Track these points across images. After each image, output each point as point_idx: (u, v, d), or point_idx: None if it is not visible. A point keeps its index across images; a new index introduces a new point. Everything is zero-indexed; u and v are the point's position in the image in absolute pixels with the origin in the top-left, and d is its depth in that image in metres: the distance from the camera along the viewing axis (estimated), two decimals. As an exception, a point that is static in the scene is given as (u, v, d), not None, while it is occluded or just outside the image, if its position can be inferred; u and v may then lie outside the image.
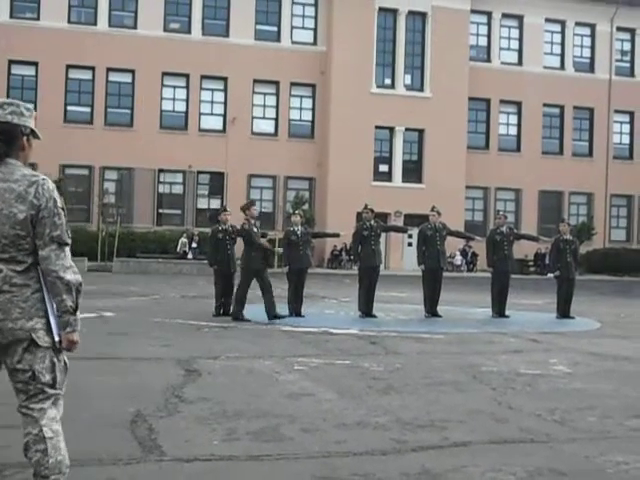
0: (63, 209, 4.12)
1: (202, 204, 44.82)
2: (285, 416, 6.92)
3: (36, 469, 4.04)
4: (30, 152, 4.22)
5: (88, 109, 43.33)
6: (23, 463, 4.29)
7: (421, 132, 46.18)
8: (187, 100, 44.40)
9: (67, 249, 4.09)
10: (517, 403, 7.77)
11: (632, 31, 51.57)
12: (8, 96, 40.33)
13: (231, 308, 15.78)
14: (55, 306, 4.06)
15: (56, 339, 4.06)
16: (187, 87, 44.34)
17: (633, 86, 50.79)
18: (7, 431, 5.74)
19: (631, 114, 51.38)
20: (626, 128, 51.82)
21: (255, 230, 15.50)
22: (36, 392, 4.05)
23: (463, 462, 5.56)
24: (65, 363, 4.19)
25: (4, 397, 4.99)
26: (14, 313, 3.99)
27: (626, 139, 51.86)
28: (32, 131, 4.21)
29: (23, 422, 4.10)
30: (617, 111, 50.96)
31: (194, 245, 39.24)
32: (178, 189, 44.58)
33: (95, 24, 43.07)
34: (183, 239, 39.64)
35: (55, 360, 4.10)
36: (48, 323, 4.05)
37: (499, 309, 17.38)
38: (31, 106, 4.28)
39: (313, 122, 46.02)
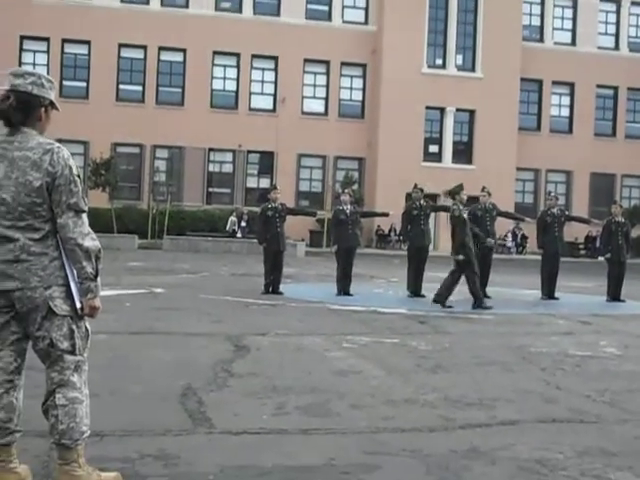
0: (79, 177, 4.16)
1: (251, 183, 44.97)
2: (334, 392, 6.95)
3: (51, 432, 4.13)
4: (47, 123, 4.26)
5: (140, 88, 43.61)
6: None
7: (472, 113, 45.82)
8: (237, 79, 44.49)
9: (84, 216, 4.12)
10: (566, 384, 7.73)
11: (689, 10, 50.66)
12: (62, 75, 40.86)
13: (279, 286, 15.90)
14: (76, 273, 4.10)
15: (77, 306, 4.11)
16: (238, 66, 44.41)
17: (689, 67, 49.89)
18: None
19: (687, 95, 50.49)
20: (681, 109, 50.96)
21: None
22: (56, 359, 4.11)
23: (511, 440, 5.56)
24: (86, 329, 4.23)
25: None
26: (32, 282, 4.05)
27: (681, 120, 51.02)
28: (51, 103, 4.25)
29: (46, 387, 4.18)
30: (672, 92, 50.15)
31: (243, 224, 39.36)
32: (228, 168, 44.75)
33: (147, 3, 43.30)
34: (232, 218, 39.80)
35: (74, 327, 4.14)
36: (67, 291, 4.10)
37: (549, 291, 17.24)
38: (52, 79, 4.32)
39: (363, 102, 45.89)
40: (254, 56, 44.32)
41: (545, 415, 6.40)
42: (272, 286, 16.05)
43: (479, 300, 14.56)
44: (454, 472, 4.79)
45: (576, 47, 48.55)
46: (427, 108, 44.96)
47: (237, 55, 44.18)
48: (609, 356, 9.63)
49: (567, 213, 20.42)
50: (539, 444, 5.48)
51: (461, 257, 14.35)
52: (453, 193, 15.09)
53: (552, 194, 19.17)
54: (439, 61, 45.67)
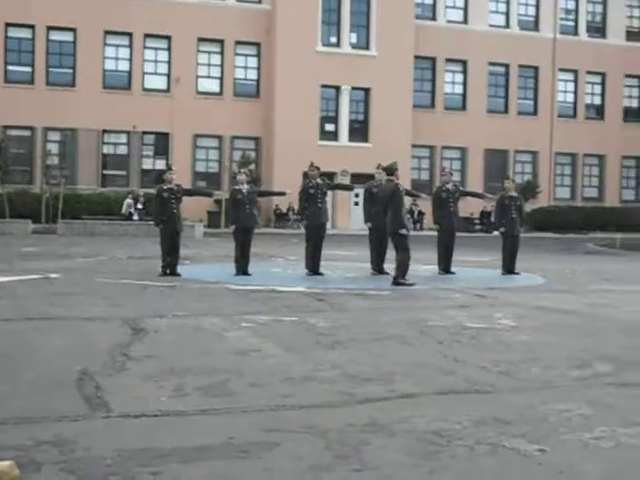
0: None
1: (147, 165, 44.39)
2: (233, 372, 6.92)
3: None
4: None
5: (29, 69, 42.51)
6: None
7: (367, 91, 46.07)
8: (130, 59, 43.75)
9: None
10: (463, 356, 7.86)
11: (576, -11, 51.87)
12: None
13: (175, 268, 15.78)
14: None
15: None
16: (130, 46, 43.66)
17: (577, 45, 51.16)
18: None
19: (575, 72, 51.78)
20: (570, 86, 52.21)
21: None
22: None
23: (409, 413, 5.62)
24: None
25: None
26: None
27: (570, 97, 52.27)
28: None
29: None
30: (561, 69, 51.30)
31: (139, 206, 38.86)
32: (123, 150, 44.08)
33: (35, -19, 42.20)
34: (128, 200, 39.23)
35: None
36: None
37: (445, 266, 17.50)
38: None
39: (258, 81, 45.70)
40: (147, 35, 43.64)
41: (442, 387, 6.49)
42: (170, 268, 15.90)
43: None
44: (353, 446, 4.81)
45: (468, 25, 49.20)
46: (322, 87, 45.03)
47: (129, 34, 43.44)
48: (504, 328, 9.82)
49: (461, 189, 20.77)
50: (437, 416, 5.55)
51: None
52: (392, 170, 15.06)
53: (446, 170, 19.44)
54: (333, 39, 45.73)
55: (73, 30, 42.58)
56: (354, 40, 46.11)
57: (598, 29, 52.67)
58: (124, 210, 38.71)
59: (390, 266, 15.46)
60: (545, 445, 4.91)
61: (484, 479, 4.35)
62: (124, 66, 43.83)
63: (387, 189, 14.93)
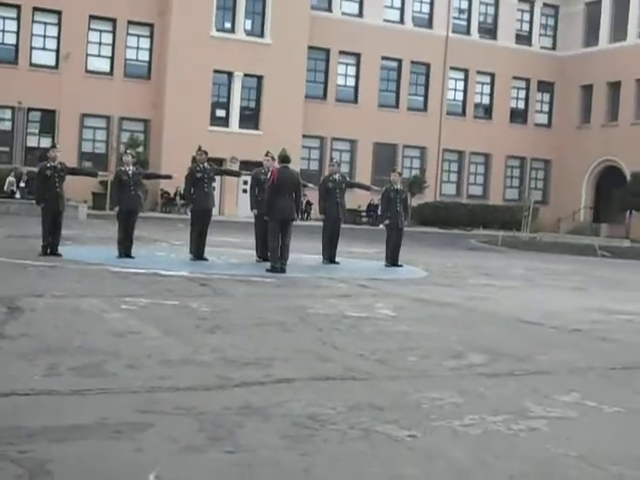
0: None
1: (32, 142, 43.26)
2: (110, 353, 6.83)
3: None
4: None
5: None
6: None
7: (260, 78, 45.94)
8: (18, 33, 42.46)
9: None
10: (341, 343, 7.93)
11: (469, -10, 52.76)
12: None
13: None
14: None
15: None
16: (18, 19, 42.39)
17: (469, 44, 52.06)
18: None
19: (466, 72, 52.70)
20: (460, 85, 53.13)
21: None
22: None
23: (285, 397, 5.64)
24: None
25: None
26: None
27: (460, 96, 53.19)
28: None
29: None
30: (452, 68, 52.14)
31: (22, 184, 37.96)
32: (7, 126, 42.86)
33: None
34: (10, 178, 38.29)
35: None
36: None
37: (329, 255, 17.63)
38: None
39: (150, 63, 45.04)
40: (36, 9, 42.46)
41: (320, 373, 6.54)
42: (50, 248, 15.59)
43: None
44: (227, 428, 4.81)
45: (363, 19, 49.51)
46: (215, 72, 44.67)
47: (17, 7, 42.18)
48: (383, 317, 9.96)
49: (348, 180, 20.93)
50: (312, 401, 5.59)
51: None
52: (289, 158, 15.20)
53: (334, 160, 19.61)
54: (228, 25, 45.40)
55: (-43, -1, 41.25)
56: (249, 27, 45.90)
57: (489, 30, 53.71)
58: (6, 188, 37.77)
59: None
60: (416, 431, 5.00)
61: (355, 462, 4.40)
62: (11, 39, 42.55)
63: (293, 177, 15.24)
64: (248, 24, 45.80)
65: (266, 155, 17.31)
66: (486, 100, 54.02)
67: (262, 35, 45.89)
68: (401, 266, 17.75)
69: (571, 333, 9.71)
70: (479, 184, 54.04)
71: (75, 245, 18.64)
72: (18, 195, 37.19)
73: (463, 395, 6.04)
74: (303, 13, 46.23)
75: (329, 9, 48.89)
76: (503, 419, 5.39)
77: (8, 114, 42.61)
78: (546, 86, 55.08)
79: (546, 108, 55.70)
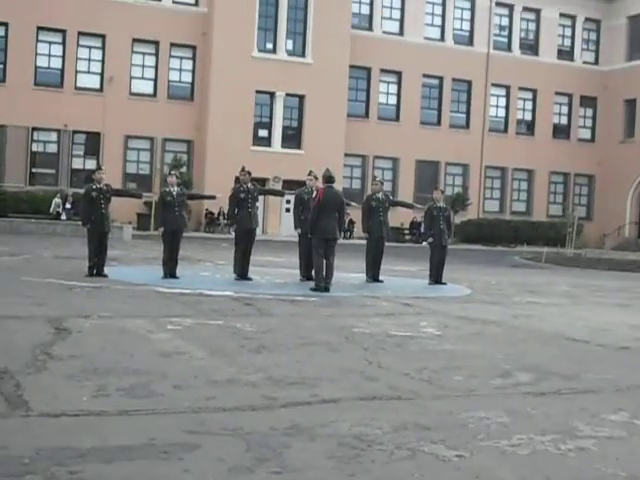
0: None
1: (77, 164, 43.78)
2: (156, 373, 6.88)
3: None
4: None
5: (-42, 62, 41.77)
6: None
7: (301, 98, 46.15)
8: (63, 57, 43.12)
9: None
10: (387, 363, 7.92)
11: (510, 7, 52.61)
12: None
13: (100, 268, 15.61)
14: None
15: None
16: (63, 43, 43.07)
17: (510, 60, 51.95)
18: None
19: (507, 88, 52.57)
20: (502, 102, 53.00)
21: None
22: None
23: (331, 417, 5.65)
24: None
25: None
26: None
27: (502, 112, 53.05)
28: None
29: None
30: (494, 85, 52.03)
31: (68, 206, 38.42)
32: (52, 148, 43.44)
33: (-33, -26, 41.44)
34: (56, 199, 38.77)
35: None
36: None
37: (373, 274, 17.60)
38: None
39: (193, 84, 45.45)
40: (81, 33, 43.11)
41: (366, 393, 6.53)
42: (96, 268, 15.74)
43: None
44: (273, 449, 4.83)
45: (404, 37, 49.61)
46: (257, 92, 44.96)
47: (63, 32, 42.85)
48: (428, 336, 9.93)
49: (391, 198, 20.94)
50: (358, 421, 5.59)
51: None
52: (334, 178, 15.35)
53: (377, 179, 19.52)
54: (269, 45, 45.71)
55: (5, 25, 41.86)
56: (290, 47, 46.18)
57: (530, 46, 53.56)
58: (52, 209, 38.23)
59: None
60: (464, 451, 4.98)
61: (402, 483, 4.40)
62: (56, 63, 43.22)
63: (337, 197, 15.32)
64: (289, 44, 46.07)
65: (309, 175, 17.37)
66: (528, 116, 53.79)
67: (303, 55, 46.12)
68: (445, 284, 17.68)
69: (618, 351, 9.62)
70: (522, 200, 53.76)
71: (120, 266, 18.81)
72: (64, 216, 37.63)
73: (510, 414, 6.00)
74: (344, 32, 46.40)
75: (370, 28, 49.03)
76: (551, 439, 5.35)
77: (54, 137, 43.17)
78: (589, 101, 54.74)
79: (589, 123, 55.36)
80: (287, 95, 45.76)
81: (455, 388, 6.94)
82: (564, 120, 54.72)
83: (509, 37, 52.98)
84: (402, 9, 49.83)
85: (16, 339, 8.31)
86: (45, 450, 4.62)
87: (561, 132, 54.44)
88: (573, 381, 7.48)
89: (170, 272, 15.93)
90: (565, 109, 54.66)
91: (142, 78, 44.69)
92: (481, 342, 9.71)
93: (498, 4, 52.17)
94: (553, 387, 7.16)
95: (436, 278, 17.78)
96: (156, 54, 44.68)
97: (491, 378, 7.43)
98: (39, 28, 42.35)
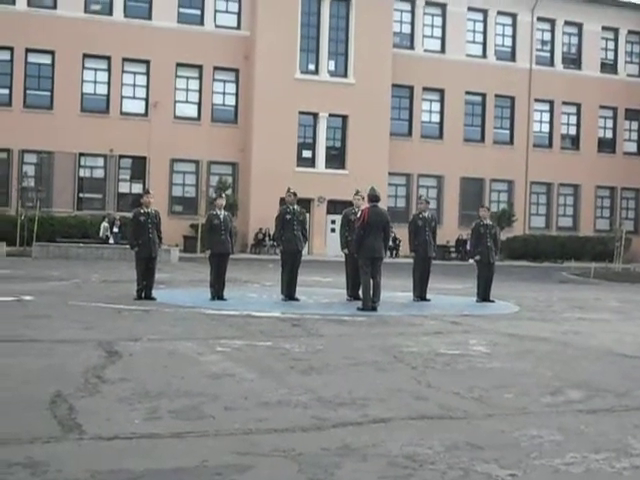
0: None
1: (124, 189, 44.30)
2: (207, 395, 6.92)
3: None
4: None
5: (6, 91, 42.41)
6: None
7: (345, 118, 46.29)
8: (109, 83, 43.77)
9: None
10: (436, 382, 7.89)
11: (552, 22, 52.41)
12: None
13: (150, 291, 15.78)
14: None
15: None
16: (109, 70, 43.70)
17: (553, 75, 51.72)
18: None
19: (551, 103, 52.31)
20: (546, 117, 52.74)
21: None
22: None
23: (382, 437, 5.64)
24: None
25: None
26: None
27: (545, 127, 52.78)
28: None
29: None
30: (537, 100, 51.80)
31: (115, 230, 38.81)
32: (99, 173, 43.99)
33: (14, 3, 42.12)
34: (105, 224, 39.19)
35: None
36: None
37: (420, 293, 17.56)
38: None
39: (236, 107, 45.81)
40: (125, 59, 43.70)
41: (416, 412, 6.52)
42: (145, 292, 15.86)
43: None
44: (325, 469, 4.83)
45: (445, 54, 49.61)
46: (300, 113, 45.19)
47: (108, 58, 43.48)
48: (478, 354, 9.87)
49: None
50: (409, 440, 5.57)
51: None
52: (379, 197, 15.44)
53: (423, 198, 19.48)
54: (312, 66, 45.98)
55: (52, 53, 42.58)
56: (332, 68, 46.39)
57: (573, 60, 53.29)
58: (101, 233, 38.64)
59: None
60: (517, 470, 4.95)
61: (455, 503, 4.38)
62: (102, 90, 43.82)
63: (383, 216, 15.36)
64: (331, 65, 46.30)
65: (356, 194, 17.36)
66: (573, 130, 53.45)
67: (345, 75, 46.31)
68: (493, 301, 17.58)
69: (671, 366, 9.50)
70: (569, 215, 53.33)
71: (168, 288, 18.93)
72: (112, 240, 38.00)
73: (563, 432, 5.95)
74: (385, 52, 46.53)
75: (411, 47, 49.10)
76: (605, 457, 5.30)
77: (100, 162, 43.72)
78: (634, 114, 54.27)
79: (634, 136, 54.89)
80: (330, 115, 45.94)
81: (506, 406, 6.90)
82: (609, 134, 54.29)
83: (551, 52, 52.76)
84: (443, 27, 49.87)
85: (68, 363, 8.40)
86: (100, 473, 4.66)
87: (606, 146, 53.98)
88: (625, 398, 7.40)
89: (218, 294, 16.02)
90: (610, 122, 54.22)
91: (186, 102, 45.15)
92: (531, 359, 9.64)
93: (540, 19, 52.00)
94: (605, 404, 7.09)
95: (484, 296, 17.68)
96: (200, 78, 45.11)
97: (542, 396, 7.37)
98: (85, 55, 43.00)
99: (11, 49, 42.03)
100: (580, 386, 7.86)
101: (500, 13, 51.11)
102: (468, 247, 28.14)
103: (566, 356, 10.10)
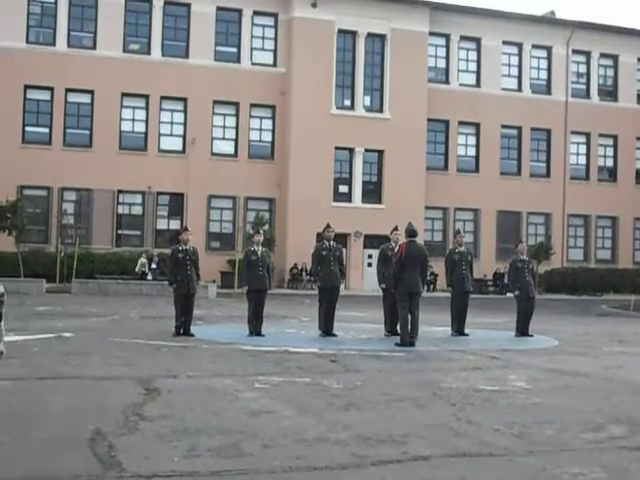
0: None
1: (162, 225, 44.57)
2: (246, 433, 6.92)
3: None
4: None
5: (47, 130, 42.95)
6: None
7: (381, 153, 46.36)
8: (147, 121, 44.19)
9: None
10: (476, 418, 7.84)
11: (587, 54, 52.29)
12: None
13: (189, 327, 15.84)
14: None
15: None
16: (147, 108, 44.13)
17: (589, 107, 51.51)
18: None
19: (587, 135, 52.06)
20: (582, 149, 52.47)
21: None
22: None
23: (423, 475, 5.61)
24: None
25: None
26: None
27: (582, 160, 52.49)
28: None
29: None
30: (574, 132, 51.58)
31: (154, 266, 39.01)
32: (137, 210, 44.31)
33: (54, 44, 42.79)
34: (142, 259, 39.40)
35: None
36: None
37: (458, 327, 17.48)
38: None
39: (273, 143, 46.03)
40: (163, 97, 44.13)
41: (456, 449, 6.47)
42: (183, 328, 15.92)
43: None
44: (366, 508, 4.81)
45: (480, 88, 49.62)
46: (336, 148, 45.32)
47: (146, 97, 43.93)
48: (517, 390, 9.80)
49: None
50: (450, 478, 5.54)
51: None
52: (416, 232, 15.53)
53: (461, 233, 19.36)
54: (347, 102, 46.16)
55: (91, 92, 43.12)
56: (368, 103, 46.55)
57: (609, 92, 53.05)
58: (137, 269, 38.84)
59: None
60: (559, 509, 4.89)
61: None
62: (140, 128, 44.25)
63: (421, 251, 15.47)
64: (367, 100, 46.45)
65: (396, 230, 17.35)
66: (610, 162, 53.10)
67: (381, 110, 46.44)
68: (532, 336, 17.45)
69: None
70: (607, 248, 52.84)
71: (206, 324, 19.00)
72: (150, 277, 38.19)
73: (606, 470, 5.88)
74: (421, 86, 46.64)
75: (446, 81, 49.16)
76: (649, 495, 5.23)
77: (139, 199, 44.06)
78: (672, 144, 53.83)
79: (672, 167, 54.39)
80: (366, 151, 46.02)
81: (547, 443, 6.83)
82: (647, 165, 53.91)
83: (587, 84, 52.58)
84: (478, 61, 49.92)
85: (108, 400, 8.45)
86: (140, 512, 4.68)
87: (644, 177, 53.57)
88: (669, 434, 7.30)
89: (256, 330, 16.05)
90: (648, 154, 53.87)
91: (223, 139, 45.44)
92: (571, 395, 9.55)
93: (575, 52, 51.89)
94: (649, 441, 7.00)
95: (523, 330, 17.57)
96: (236, 115, 45.43)
97: (583, 432, 7.29)
98: (123, 94, 43.47)
99: (51, 89, 42.59)
100: (622, 422, 7.77)
101: (535, 46, 51.08)
102: (506, 281, 27.99)
103: (607, 391, 9.98)
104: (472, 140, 49.91)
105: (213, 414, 7.78)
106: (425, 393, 9.34)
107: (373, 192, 46.38)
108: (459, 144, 49.63)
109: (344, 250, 18.12)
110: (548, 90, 51.33)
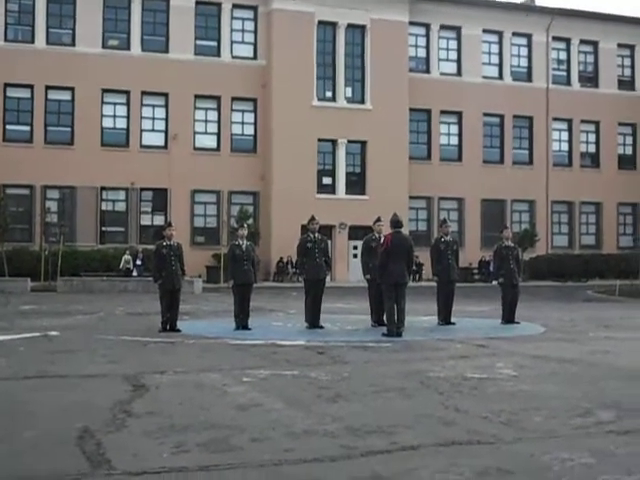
0: None
1: (146, 221, 44.45)
2: (234, 427, 6.91)
3: None
4: None
5: (27, 128, 42.76)
6: None
7: (363, 144, 46.38)
8: (128, 117, 44.04)
9: None
10: (464, 406, 7.85)
11: (567, 40, 52.42)
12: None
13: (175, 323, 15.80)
14: None
15: None
16: (127, 104, 43.99)
17: (570, 94, 51.66)
18: None
19: (569, 122, 52.23)
20: (564, 135, 52.63)
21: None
22: None
23: (412, 465, 5.61)
24: None
25: None
26: None
27: (565, 146, 52.66)
28: None
29: None
30: (555, 119, 51.74)
31: (139, 262, 38.91)
32: (121, 206, 44.19)
33: (33, 42, 42.59)
34: (126, 256, 39.28)
35: None
36: None
37: (445, 316, 17.50)
38: None
39: (255, 136, 45.97)
40: (144, 93, 43.98)
41: (444, 438, 6.48)
42: (169, 324, 15.89)
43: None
44: (356, 500, 4.81)
45: (462, 77, 49.69)
46: (319, 140, 45.31)
47: (127, 92, 43.79)
48: (505, 377, 9.82)
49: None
50: (439, 467, 5.54)
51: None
52: (399, 223, 15.48)
53: (447, 223, 19.29)
54: (329, 94, 46.14)
55: (71, 89, 42.93)
56: (349, 94, 46.54)
57: (590, 79, 53.22)
58: (121, 266, 38.74)
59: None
60: (548, 495, 4.90)
61: (488, 530, 4.34)
62: (122, 124, 44.11)
63: (406, 242, 15.43)
64: (348, 91, 46.46)
65: (378, 221, 17.35)
66: (592, 148, 53.30)
67: (363, 101, 46.48)
68: (518, 323, 17.49)
69: (701, 384, 9.40)
70: (591, 234, 53.07)
71: (192, 320, 18.95)
72: (135, 273, 38.09)
73: (594, 454, 5.89)
74: (401, 77, 46.67)
75: (427, 71, 49.21)
76: (638, 478, 5.24)
77: (122, 195, 43.94)
78: (654, 129, 54.08)
79: (655, 152, 54.64)
80: (349, 142, 46.04)
81: (535, 429, 6.85)
82: (629, 150, 54.12)
83: (568, 71, 52.73)
84: (458, 50, 49.99)
85: (95, 398, 8.41)
86: (130, 509, 4.66)
87: (627, 162, 53.77)
88: (656, 417, 7.33)
89: (242, 324, 16.03)
90: (630, 139, 54.08)
91: (205, 133, 45.37)
92: (559, 381, 9.58)
93: (555, 38, 52.03)
94: (636, 425, 7.03)
95: (509, 317, 17.60)
96: (218, 109, 45.36)
97: (571, 418, 7.31)
98: (104, 90, 43.33)
99: (31, 87, 42.41)
100: (610, 407, 7.79)
101: (515, 34, 51.19)
102: (491, 269, 28.05)
103: (594, 377, 10.02)
104: (454, 129, 50.01)
105: (201, 409, 7.76)
106: (413, 383, 9.35)
107: (357, 183, 46.40)
108: (441, 133, 49.73)
109: (329, 242, 18.09)
110: (529, 77, 51.48)
